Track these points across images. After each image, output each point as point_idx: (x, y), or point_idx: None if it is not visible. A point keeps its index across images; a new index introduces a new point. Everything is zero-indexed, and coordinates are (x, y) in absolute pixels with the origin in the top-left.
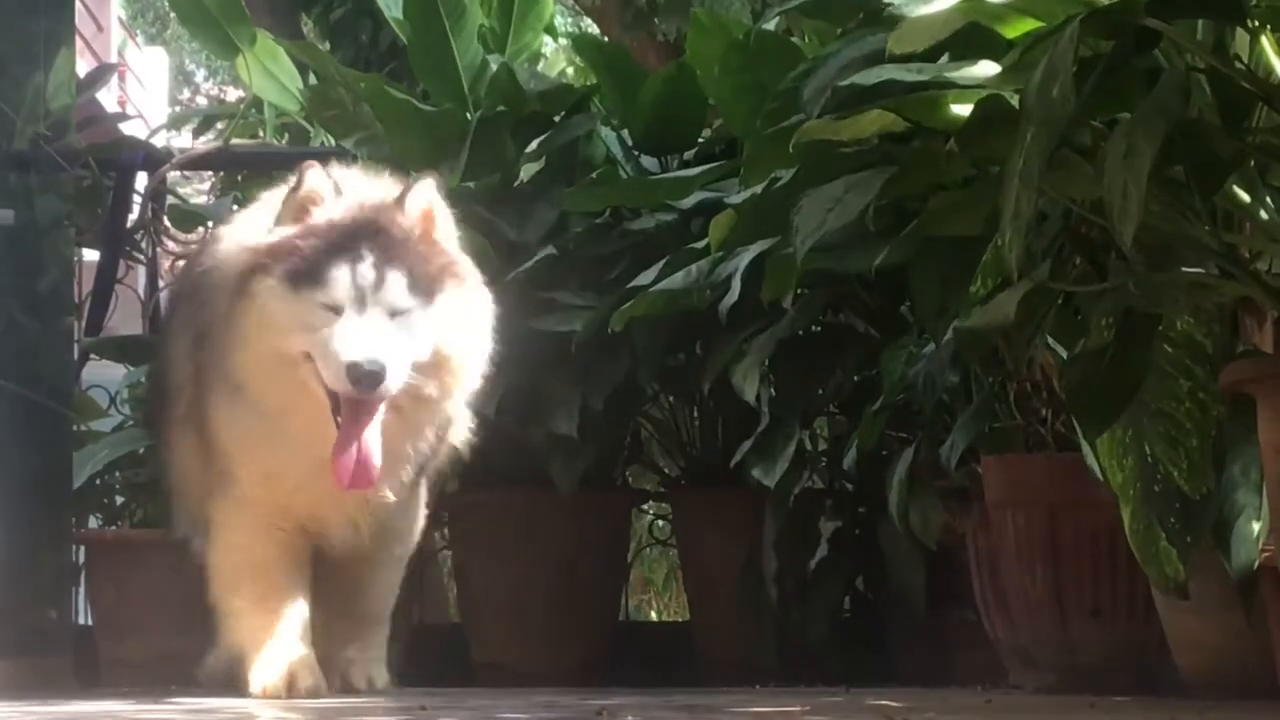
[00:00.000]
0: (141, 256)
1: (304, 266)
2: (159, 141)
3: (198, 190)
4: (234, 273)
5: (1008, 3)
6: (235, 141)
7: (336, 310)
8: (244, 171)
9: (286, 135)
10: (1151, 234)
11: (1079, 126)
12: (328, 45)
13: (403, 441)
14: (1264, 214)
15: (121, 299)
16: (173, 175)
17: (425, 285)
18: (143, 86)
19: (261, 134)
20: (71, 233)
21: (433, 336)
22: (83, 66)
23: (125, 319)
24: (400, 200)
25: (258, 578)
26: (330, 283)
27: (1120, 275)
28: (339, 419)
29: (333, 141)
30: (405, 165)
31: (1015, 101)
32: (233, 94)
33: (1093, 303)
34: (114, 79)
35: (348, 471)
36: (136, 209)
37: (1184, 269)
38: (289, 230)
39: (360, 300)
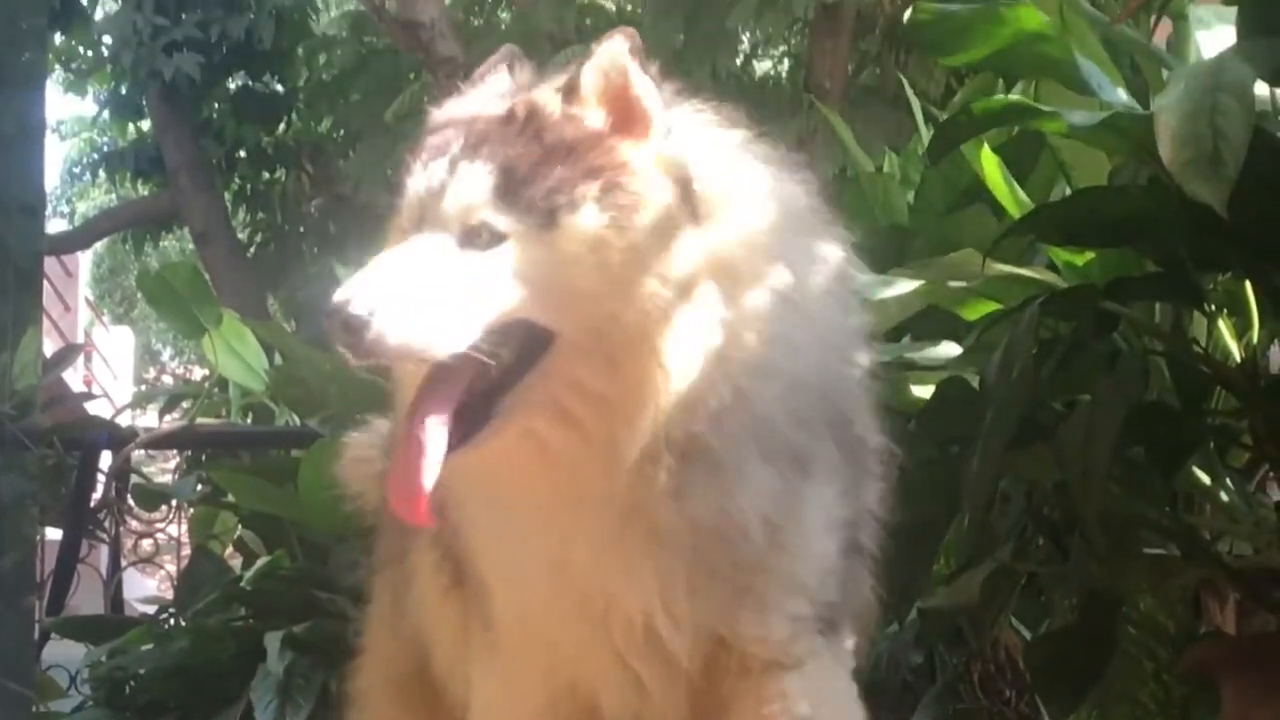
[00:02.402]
0: (104, 535)
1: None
2: (124, 420)
3: (162, 469)
4: None
5: (967, 286)
6: (200, 420)
7: None
8: (208, 450)
9: (251, 414)
10: (1113, 515)
11: (1039, 407)
12: (293, 324)
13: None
14: (1224, 496)
15: (83, 578)
16: (137, 454)
17: (541, 193)
18: (108, 365)
19: (226, 413)
20: (35, 512)
21: (551, 274)
22: (49, 346)
23: (87, 598)
24: (569, 86)
25: None
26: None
27: (1082, 556)
28: None
29: (298, 420)
30: None
31: (976, 382)
32: (198, 372)
33: (1056, 583)
34: (80, 358)
35: (393, 488)
36: (100, 488)
37: (1146, 550)
38: None
39: (419, 218)
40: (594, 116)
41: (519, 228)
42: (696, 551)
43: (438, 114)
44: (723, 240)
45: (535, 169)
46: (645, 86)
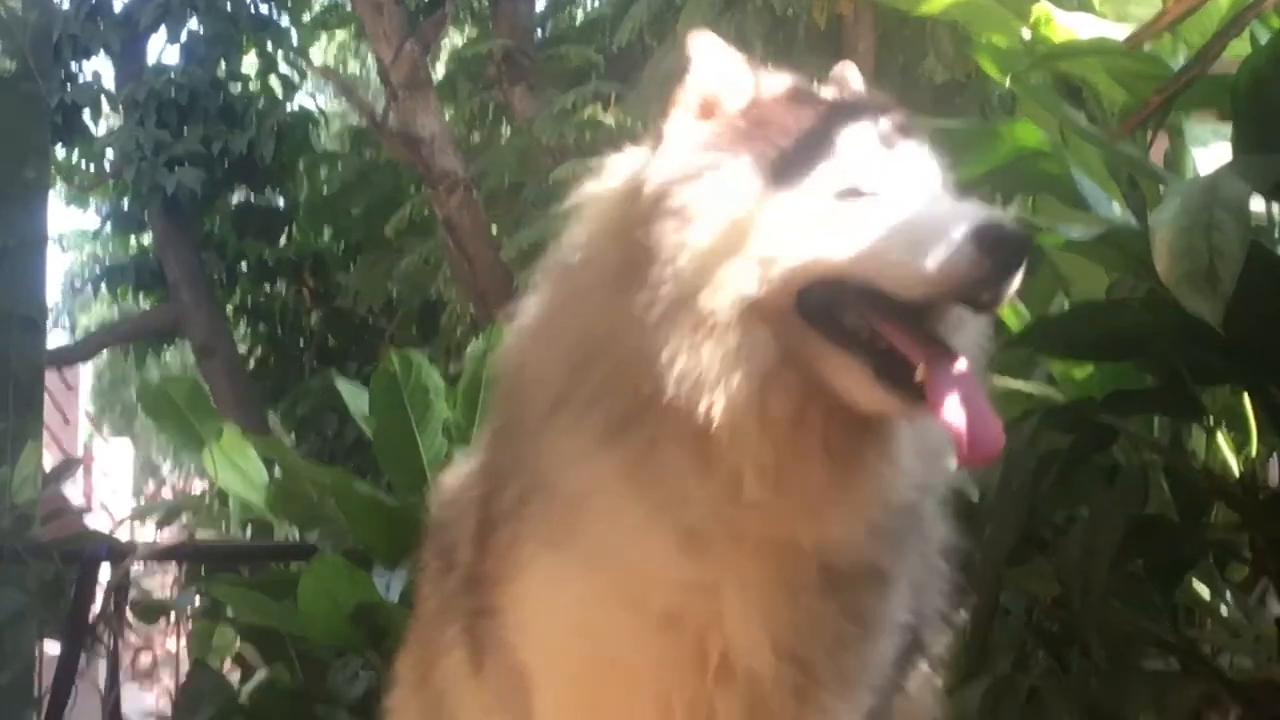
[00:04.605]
0: (103, 649)
1: (791, 144)
2: (123, 534)
3: (162, 583)
4: (615, 216)
5: None
6: (199, 534)
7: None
8: (207, 564)
9: (250, 528)
10: (1113, 629)
11: (1038, 521)
12: (293, 438)
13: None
14: (1225, 610)
15: (81, 692)
16: (136, 567)
17: None
18: (108, 478)
19: (225, 527)
20: (33, 626)
21: None
22: (49, 459)
23: (85, 713)
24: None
25: None
26: (850, 151)
27: (1083, 670)
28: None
29: (297, 535)
30: (370, 558)
31: (975, 496)
32: (198, 486)
33: (1057, 697)
34: (79, 471)
35: (967, 434)
36: (99, 601)
37: (1146, 664)
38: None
39: (905, 178)
40: None
41: None
42: (832, 612)
43: (841, 89)
44: None
45: None
46: None
